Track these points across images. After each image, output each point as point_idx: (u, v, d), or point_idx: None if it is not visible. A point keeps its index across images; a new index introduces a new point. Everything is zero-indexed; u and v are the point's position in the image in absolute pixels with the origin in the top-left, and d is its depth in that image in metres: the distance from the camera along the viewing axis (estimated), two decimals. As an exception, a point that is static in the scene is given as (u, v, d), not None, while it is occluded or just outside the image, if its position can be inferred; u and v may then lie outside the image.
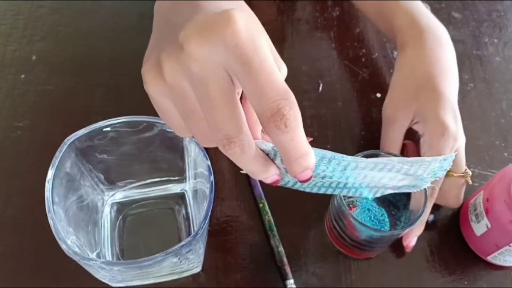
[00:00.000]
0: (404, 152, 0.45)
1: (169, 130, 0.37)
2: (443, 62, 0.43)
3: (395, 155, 0.40)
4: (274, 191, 0.45)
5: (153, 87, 0.25)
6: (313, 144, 0.25)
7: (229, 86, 0.23)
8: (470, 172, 0.42)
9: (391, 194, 0.42)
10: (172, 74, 0.24)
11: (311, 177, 0.25)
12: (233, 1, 0.27)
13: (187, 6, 0.26)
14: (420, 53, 0.43)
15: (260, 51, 0.22)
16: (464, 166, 0.42)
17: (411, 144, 0.45)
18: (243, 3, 0.28)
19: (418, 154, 0.44)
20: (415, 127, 0.43)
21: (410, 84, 0.43)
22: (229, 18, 0.22)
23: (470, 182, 0.42)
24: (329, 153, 0.26)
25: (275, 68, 0.23)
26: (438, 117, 0.40)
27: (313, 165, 0.24)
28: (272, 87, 0.22)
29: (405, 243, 0.41)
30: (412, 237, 0.41)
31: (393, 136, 0.43)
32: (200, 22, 0.23)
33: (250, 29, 0.22)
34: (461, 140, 0.41)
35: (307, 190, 0.30)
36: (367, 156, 0.39)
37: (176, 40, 0.23)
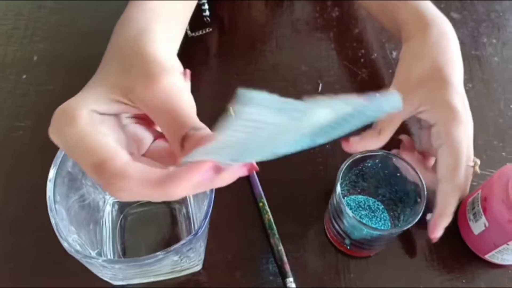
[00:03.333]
0: (400, 147, 0.44)
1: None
2: (449, 54, 0.43)
3: (390, 153, 0.40)
4: (274, 191, 0.46)
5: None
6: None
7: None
8: (478, 161, 0.41)
9: (391, 193, 0.43)
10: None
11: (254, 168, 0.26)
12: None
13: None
14: (425, 45, 0.43)
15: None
16: (472, 156, 0.41)
17: (407, 138, 0.45)
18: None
19: (413, 149, 0.44)
20: (423, 116, 0.42)
21: (417, 74, 0.42)
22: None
23: (479, 171, 0.41)
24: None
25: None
26: (448, 102, 0.40)
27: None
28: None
29: (432, 236, 0.40)
30: (439, 229, 0.39)
31: (392, 117, 0.42)
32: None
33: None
34: (472, 128, 0.41)
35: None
36: (359, 159, 0.39)
37: None
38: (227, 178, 0.26)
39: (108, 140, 0.26)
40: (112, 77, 0.29)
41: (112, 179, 0.24)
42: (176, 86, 0.28)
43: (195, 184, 0.24)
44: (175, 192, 0.24)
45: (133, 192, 0.24)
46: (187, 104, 0.28)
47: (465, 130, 0.40)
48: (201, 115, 0.29)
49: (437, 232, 0.40)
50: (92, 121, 0.27)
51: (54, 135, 0.27)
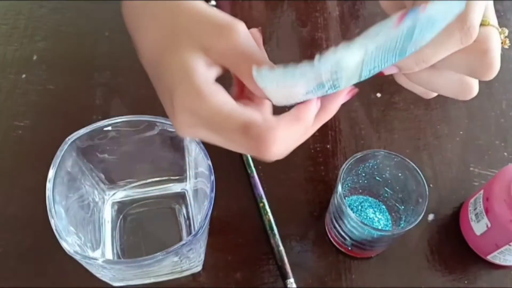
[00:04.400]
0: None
1: (169, 129, 0.37)
2: None
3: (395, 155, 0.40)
4: (275, 192, 0.45)
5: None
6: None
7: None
8: (506, 31, 0.30)
9: (392, 193, 0.43)
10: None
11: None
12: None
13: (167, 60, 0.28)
14: None
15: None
16: (495, 19, 0.29)
17: None
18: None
19: None
20: None
21: None
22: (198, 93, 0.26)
23: (507, 45, 0.30)
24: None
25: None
26: None
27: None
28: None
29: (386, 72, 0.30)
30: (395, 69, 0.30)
31: None
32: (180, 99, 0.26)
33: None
34: None
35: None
36: (361, 159, 0.39)
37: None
38: (333, 107, 0.28)
39: (236, 105, 0.27)
40: (186, 41, 0.27)
41: (263, 134, 0.25)
42: (248, 32, 0.28)
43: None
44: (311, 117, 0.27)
45: (285, 141, 0.26)
46: (262, 48, 0.29)
47: None
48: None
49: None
50: (216, 89, 0.27)
51: (184, 113, 0.26)
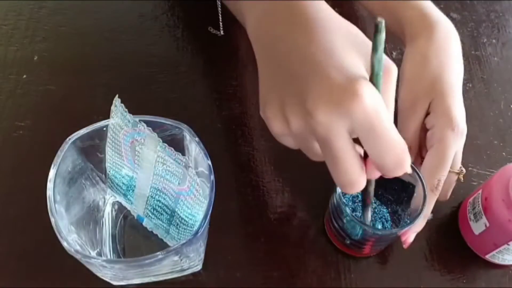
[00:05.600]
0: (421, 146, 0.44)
1: (169, 129, 0.37)
2: (454, 56, 0.43)
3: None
4: (274, 191, 0.46)
5: (278, 130, 0.29)
6: None
7: (350, 145, 0.26)
8: (464, 170, 0.42)
9: (392, 193, 0.43)
10: (298, 129, 0.27)
11: None
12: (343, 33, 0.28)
13: (300, 56, 0.28)
14: (433, 45, 0.43)
15: (383, 121, 0.25)
16: (460, 164, 0.42)
17: None
18: (350, 29, 0.30)
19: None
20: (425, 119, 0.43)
21: (426, 76, 0.42)
22: (355, 92, 0.24)
23: (462, 179, 0.43)
24: None
25: (394, 132, 0.26)
26: (451, 112, 0.40)
27: None
28: (391, 153, 0.26)
29: (403, 239, 0.41)
30: (411, 233, 0.41)
31: (413, 127, 0.42)
32: (328, 93, 0.25)
33: (374, 100, 0.25)
34: (464, 139, 0.41)
35: None
36: None
37: (301, 100, 0.26)
38: None
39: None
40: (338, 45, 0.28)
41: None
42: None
43: None
44: None
45: None
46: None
47: (457, 139, 0.41)
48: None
49: (407, 236, 0.41)
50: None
51: (335, 114, 0.25)
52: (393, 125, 0.26)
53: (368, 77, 0.26)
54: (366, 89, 0.25)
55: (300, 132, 0.28)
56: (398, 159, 0.26)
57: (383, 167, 0.27)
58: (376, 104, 0.25)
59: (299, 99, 0.26)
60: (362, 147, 0.27)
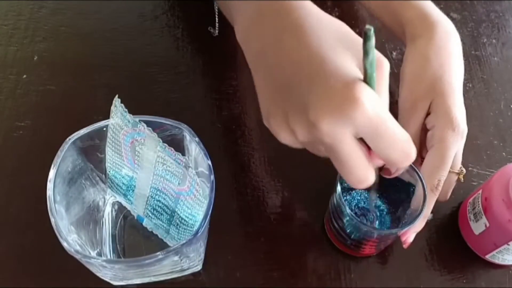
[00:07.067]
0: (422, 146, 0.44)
1: (169, 129, 0.37)
2: (454, 56, 0.43)
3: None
4: (274, 191, 0.46)
5: (287, 142, 0.30)
6: None
7: (356, 147, 0.27)
8: (464, 170, 0.42)
9: (392, 192, 0.43)
10: (305, 138, 0.28)
11: None
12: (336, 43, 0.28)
13: (292, 60, 0.28)
14: (433, 45, 0.43)
15: (385, 122, 0.26)
16: (460, 164, 0.42)
17: None
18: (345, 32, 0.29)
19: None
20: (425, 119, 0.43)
21: (426, 76, 0.43)
22: (355, 99, 0.25)
23: (463, 180, 0.43)
24: None
25: (397, 129, 0.26)
26: (451, 112, 0.40)
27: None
28: (397, 148, 0.27)
29: (403, 239, 0.41)
30: (411, 233, 0.41)
31: (414, 127, 0.43)
32: (329, 103, 0.26)
33: (374, 103, 0.25)
34: (464, 139, 0.42)
35: None
36: None
37: (303, 110, 0.26)
38: None
39: None
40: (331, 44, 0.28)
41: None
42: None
43: None
44: None
45: None
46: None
47: (458, 140, 0.41)
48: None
49: (407, 236, 0.41)
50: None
51: (338, 122, 0.26)
52: (394, 121, 0.26)
53: (362, 75, 0.27)
54: (365, 94, 0.25)
55: (307, 140, 0.28)
56: (404, 153, 0.27)
57: (390, 162, 0.28)
58: (377, 107, 0.25)
59: (301, 109, 0.27)
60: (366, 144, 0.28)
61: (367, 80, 0.26)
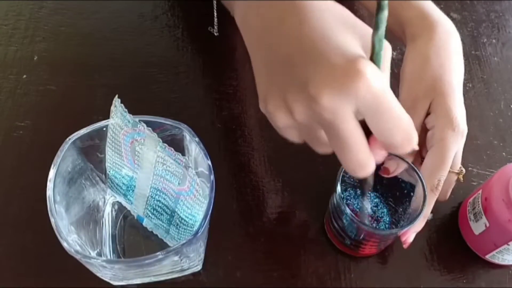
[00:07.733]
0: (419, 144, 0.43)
1: (169, 129, 0.37)
2: (455, 56, 0.43)
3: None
4: (274, 192, 0.46)
5: (282, 123, 0.28)
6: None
7: (357, 126, 0.26)
8: (464, 170, 0.42)
9: (392, 193, 0.43)
10: (303, 116, 0.26)
11: None
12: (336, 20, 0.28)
13: (293, 37, 0.27)
14: (433, 45, 0.43)
15: (389, 98, 0.25)
16: (459, 164, 0.42)
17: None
18: (343, 13, 0.29)
19: None
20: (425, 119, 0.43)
21: (426, 76, 0.42)
22: (358, 72, 0.24)
23: (462, 180, 0.43)
24: None
25: (400, 108, 0.25)
26: (451, 112, 0.40)
27: None
28: (399, 129, 0.25)
29: (402, 239, 0.41)
30: (410, 233, 0.41)
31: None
32: (330, 76, 0.24)
33: (378, 78, 0.24)
34: (464, 139, 0.42)
35: None
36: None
37: (303, 87, 0.25)
38: None
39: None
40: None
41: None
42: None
43: None
44: None
45: None
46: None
47: (458, 140, 0.41)
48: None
49: (407, 236, 0.40)
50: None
51: (340, 96, 0.24)
52: (397, 100, 0.26)
53: (364, 55, 0.26)
54: (369, 68, 0.24)
55: (305, 120, 0.27)
56: (406, 134, 0.26)
57: (391, 144, 0.26)
58: (381, 82, 0.24)
59: (300, 86, 0.26)
60: (365, 130, 0.27)
61: (373, 57, 0.25)
